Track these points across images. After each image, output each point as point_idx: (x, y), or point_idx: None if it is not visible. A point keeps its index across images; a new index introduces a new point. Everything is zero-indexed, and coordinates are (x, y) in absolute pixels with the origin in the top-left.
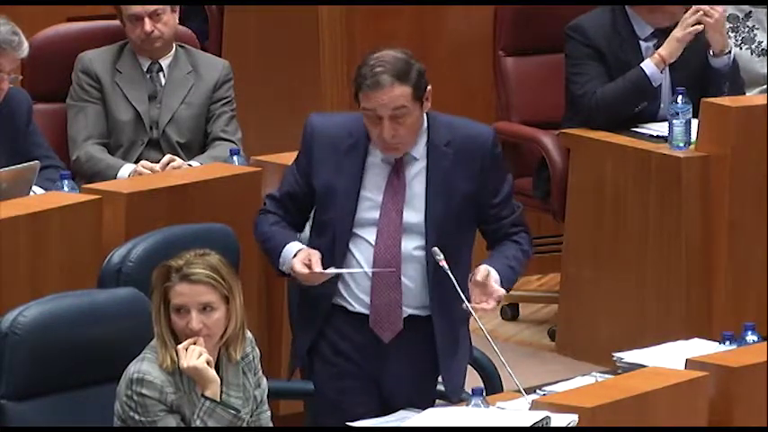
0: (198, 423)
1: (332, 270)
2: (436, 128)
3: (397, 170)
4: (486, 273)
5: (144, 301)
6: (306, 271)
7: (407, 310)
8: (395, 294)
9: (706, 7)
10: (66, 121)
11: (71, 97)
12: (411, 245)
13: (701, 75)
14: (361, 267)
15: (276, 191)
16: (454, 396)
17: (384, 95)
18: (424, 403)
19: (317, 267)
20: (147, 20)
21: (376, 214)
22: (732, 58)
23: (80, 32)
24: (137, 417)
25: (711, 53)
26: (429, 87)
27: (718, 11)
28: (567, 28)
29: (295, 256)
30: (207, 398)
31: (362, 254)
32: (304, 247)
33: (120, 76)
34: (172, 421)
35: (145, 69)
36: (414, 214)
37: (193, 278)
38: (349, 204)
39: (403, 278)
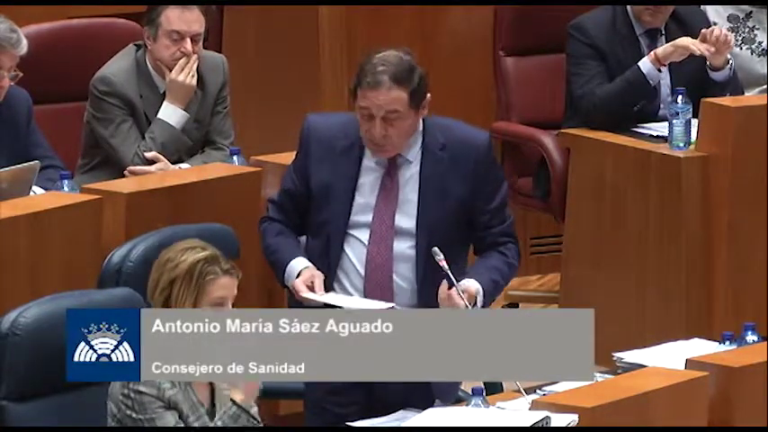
0: (218, 423)
1: (325, 298)
2: (431, 131)
3: (389, 173)
4: (471, 292)
5: (140, 302)
6: (306, 293)
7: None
8: (387, 294)
9: (721, 40)
10: (66, 124)
11: (103, 113)
12: (404, 245)
13: (699, 77)
14: (356, 268)
15: (276, 194)
16: (443, 399)
17: (380, 96)
18: (420, 402)
19: (320, 291)
20: (188, 41)
21: (369, 217)
22: (732, 68)
23: (80, 32)
24: (134, 415)
25: (709, 65)
26: (429, 96)
27: (728, 44)
28: (569, 26)
29: (299, 274)
30: (237, 404)
31: (356, 254)
32: (309, 265)
33: (141, 101)
34: (170, 418)
35: (161, 92)
36: (406, 219)
37: (232, 272)
38: (343, 207)
39: (395, 278)
